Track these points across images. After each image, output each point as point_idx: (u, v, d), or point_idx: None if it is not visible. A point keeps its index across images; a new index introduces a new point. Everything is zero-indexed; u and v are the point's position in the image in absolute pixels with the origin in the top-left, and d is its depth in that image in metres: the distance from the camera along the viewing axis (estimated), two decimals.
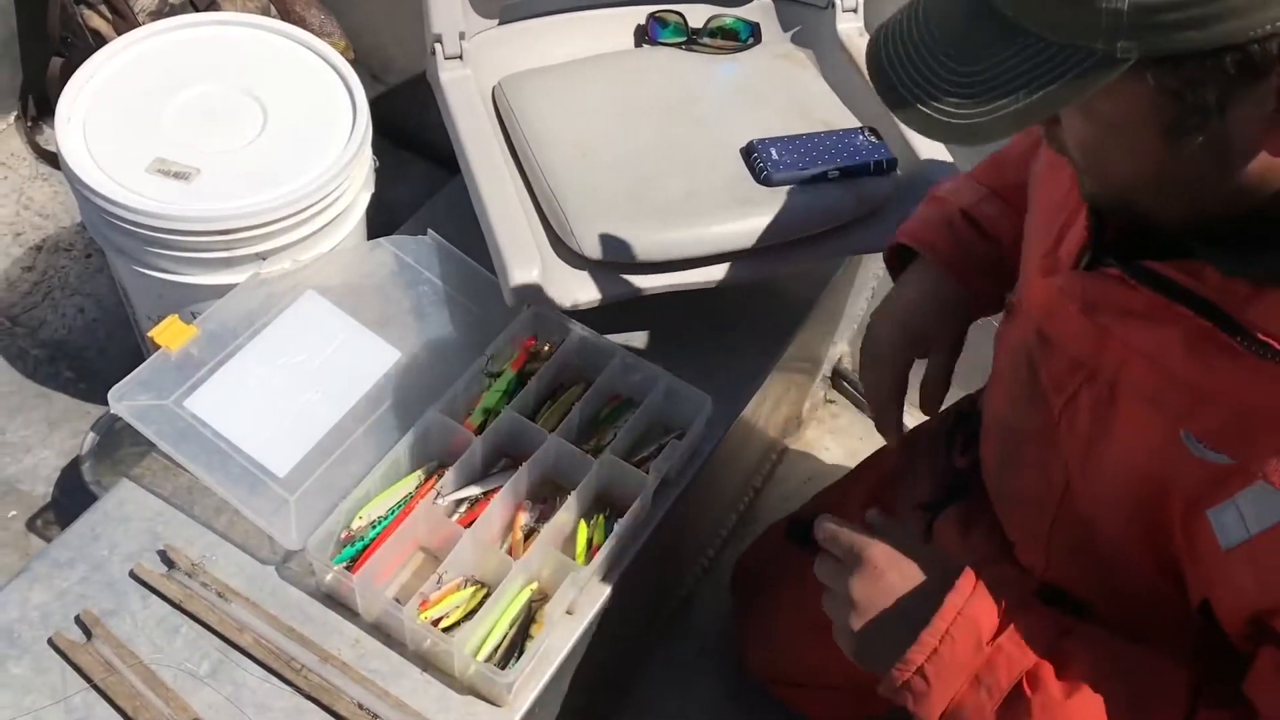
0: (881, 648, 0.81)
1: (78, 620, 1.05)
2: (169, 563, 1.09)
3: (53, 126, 1.28)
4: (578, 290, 1.20)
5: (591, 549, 1.10)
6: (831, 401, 1.82)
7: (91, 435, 1.50)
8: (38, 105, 1.99)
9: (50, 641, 1.03)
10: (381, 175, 1.42)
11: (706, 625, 1.50)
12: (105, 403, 1.08)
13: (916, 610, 0.79)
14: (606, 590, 1.11)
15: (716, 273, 1.24)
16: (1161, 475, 0.75)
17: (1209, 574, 0.74)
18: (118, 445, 1.51)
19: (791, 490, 1.66)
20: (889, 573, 0.82)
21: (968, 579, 0.79)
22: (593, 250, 1.18)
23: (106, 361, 1.72)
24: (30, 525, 1.53)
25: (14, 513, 1.55)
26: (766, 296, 1.38)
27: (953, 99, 0.61)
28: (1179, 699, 0.77)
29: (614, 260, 1.19)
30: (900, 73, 0.64)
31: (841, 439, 1.74)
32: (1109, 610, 0.91)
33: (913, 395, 1.07)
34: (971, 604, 0.78)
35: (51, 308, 1.78)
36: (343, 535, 1.07)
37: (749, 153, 1.26)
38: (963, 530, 1.08)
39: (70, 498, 1.55)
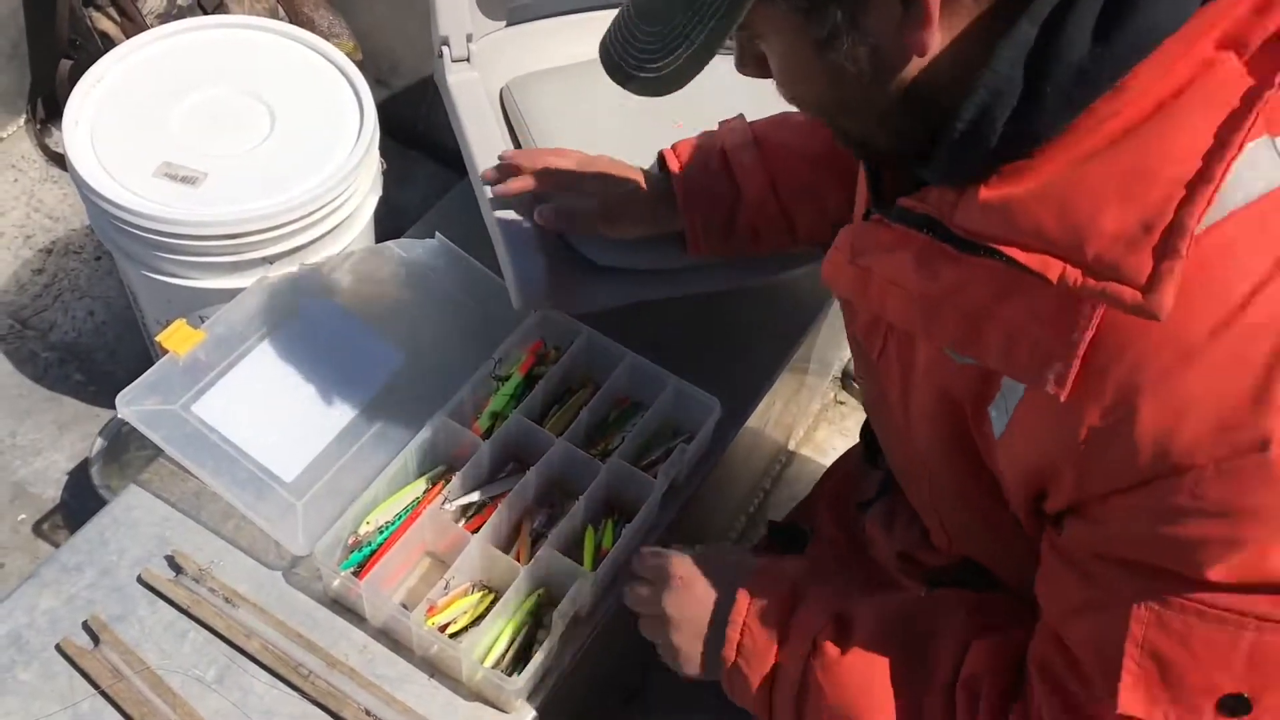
0: (705, 654, 0.91)
1: (85, 626, 1.05)
2: (177, 568, 1.09)
3: (61, 129, 1.28)
4: (585, 294, 1.19)
5: (600, 554, 1.10)
6: (842, 403, 1.81)
7: (100, 440, 1.50)
8: (47, 108, 2.00)
9: (58, 647, 1.03)
10: (389, 177, 1.42)
11: None
12: (115, 406, 1.08)
13: (722, 612, 0.90)
14: (614, 595, 1.11)
15: (725, 276, 1.23)
16: (949, 395, 0.77)
17: (999, 472, 0.77)
18: (126, 449, 1.51)
19: (800, 491, 1.64)
20: (695, 584, 0.93)
21: (755, 573, 0.90)
22: (600, 254, 1.18)
23: (116, 364, 1.72)
24: (38, 529, 1.53)
25: (23, 516, 1.55)
26: (776, 298, 1.37)
27: (652, 61, 0.70)
28: (954, 633, 0.83)
29: (622, 264, 1.19)
30: (614, 48, 0.74)
31: (851, 440, 1.72)
32: (1011, 575, 0.92)
33: None
34: (760, 593, 0.88)
35: (62, 310, 1.78)
36: (350, 540, 1.07)
37: None
38: (887, 525, 1.09)
39: (80, 501, 1.55)
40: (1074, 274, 0.61)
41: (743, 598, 0.89)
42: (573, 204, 1.13)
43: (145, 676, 1.01)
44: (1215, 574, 0.63)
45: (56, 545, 1.32)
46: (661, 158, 1.14)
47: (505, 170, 1.17)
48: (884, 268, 0.74)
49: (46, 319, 1.77)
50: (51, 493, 1.57)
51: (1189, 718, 0.67)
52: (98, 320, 1.78)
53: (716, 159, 1.11)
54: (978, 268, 0.67)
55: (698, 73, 0.69)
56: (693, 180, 1.11)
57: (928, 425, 0.83)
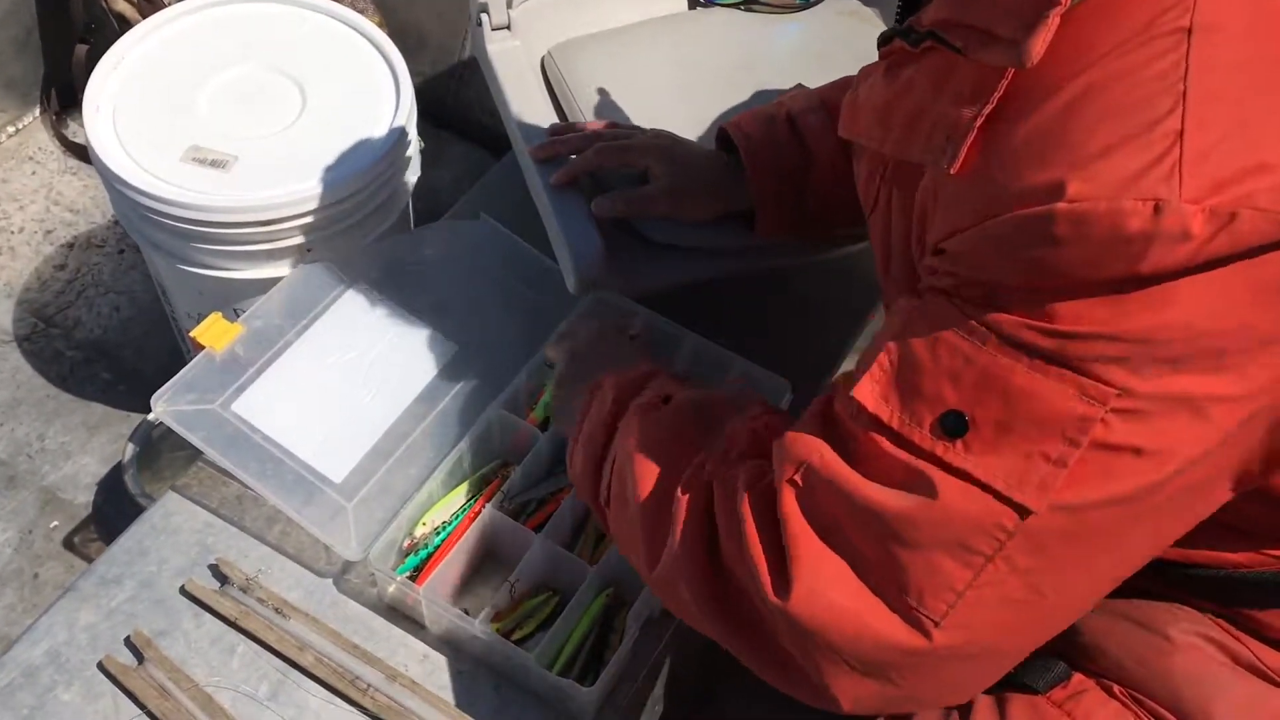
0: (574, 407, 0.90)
1: (128, 642, 0.99)
2: (221, 578, 1.03)
3: (79, 118, 1.22)
4: (644, 274, 1.12)
5: None
6: None
7: (131, 446, 1.44)
8: (63, 97, 1.93)
9: (100, 666, 0.97)
10: (423, 156, 1.35)
11: None
12: (145, 404, 1.02)
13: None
14: None
15: (788, 251, 1.16)
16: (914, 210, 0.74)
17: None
18: (160, 453, 1.45)
19: None
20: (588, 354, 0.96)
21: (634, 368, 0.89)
22: (658, 231, 1.10)
23: (144, 361, 1.66)
24: (72, 538, 1.47)
25: (56, 523, 1.49)
26: (842, 272, 1.29)
27: None
28: (746, 415, 0.82)
29: (681, 242, 1.11)
30: None
31: None
32: None
33: None
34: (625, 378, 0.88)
35: (86, 306, 1.72)
36: (405, 544, 1.00)
37: None
38: None
39: (114, 507, 1.49)
40: (974, 39, 0.61)
41: (606, 383, 0.87)
42: (636, 189, 1.07)
43: (194, 695, 0.95)
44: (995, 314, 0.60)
45: (91, 555, 1.26)
46: (723, 132, 1.07)
47: (555, 147, 1.10)
48: (866, 90, 0.74)
49: (71, 316, 1.71)
50: (84, 498, 1.52)
51: (909, 424, 0.63)
52: (124, 316, 1.71)
53: (783, 126, 1.04)
54: (925, 62, 0.67)
55: None
56: (760, 150, 1.04)
57: (884, 226, 0.79)
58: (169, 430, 1.41)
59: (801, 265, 1.20)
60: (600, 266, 1.09)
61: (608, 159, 1.08)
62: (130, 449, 1.41)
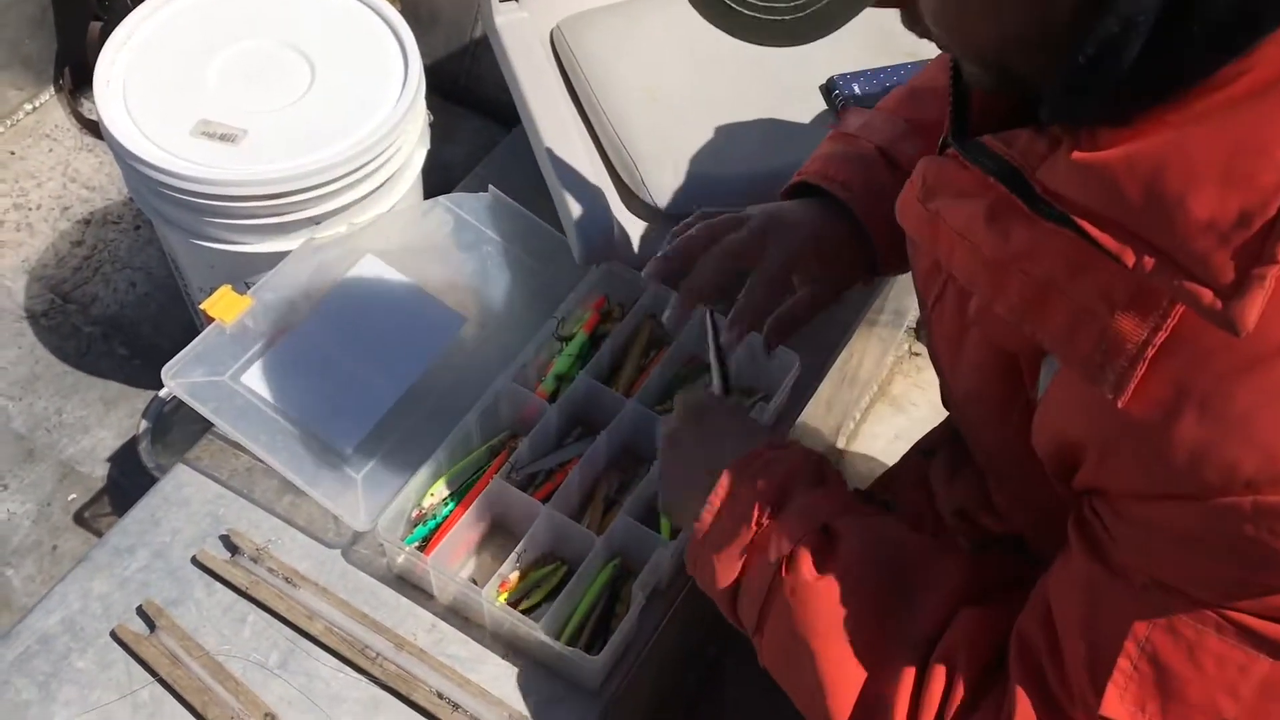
0: (687, 498, 0.83)
1: (140, 611, 1.00)
2: (232, 548, 1.03)
3: (93, 95, 1.22)
4: (652, 245, 1.12)
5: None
6: (916, 354, 1.72)
7: (144, 421, 1.45)
8: (77, 74, 1.94)
9: (113, 634, 0.98)
10: (433, 133, 1.35)
11: None
12: (161, 379, 1.02)
13: (704, 485, 0.81)
14: None
15: None
16: (1002, 347, 0.70)
17: (1034, 432, 0.69)
18: (173, 426, 1.46)
19: (880, 448, 1.57)
20: (692, 443, 0.86)
21: (751, 454, 0.80)
22: (666, 201, 1.10)
23: (161, 336, 1.67)
24: (88, 510, 1.48)
25: (74, 496, 1.51)
26: None
27: None
28: (946, 590, 0.74)
29: (688, 212, 1.11)
30: None
31: (929, 392, 1.65)
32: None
33: None
34: (745, 477, 0.79)
35: (103, 283, 1.73)
36: (413, 514, 1.01)
37: (829, 90, 1.17)
38: (948, 477, 1.02)
39: (130, 480, 1.50)
40: (1149, 261, 0.52)
41: (725, 478, 0.80)
42: (782, 309, 0.98)
43: (205, 663, 0.96)
44: (1240, 609, 0.56)
45: (102, 529, 1.27)
46: (811, 189, 0.97)
47: (670, 264, 0.94)
48: (954, 217, 0.66)
49: (87, 292, 1.72)
50: (100, 472, 1.53)
51: None
52: (140, 292, 1.72)
53: (879, 166, 0.94)
54: (1053, 235, 0.58)
55: (856, 12, 0.56)
56: (867, 199, 0.93)
57: (975, 378, 0.76)
58: (182, 404, 1.42)
59: None
60: (607, 238, 1.09)
61: (724, 277, 0.92)
62: (143, 423, 1.42)
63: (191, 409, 1.02)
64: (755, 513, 0.77)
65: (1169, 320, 0.53)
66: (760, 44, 0.60)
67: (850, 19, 0.55)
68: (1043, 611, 0.68)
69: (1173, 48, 0.51)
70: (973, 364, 0.76)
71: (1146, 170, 0.52)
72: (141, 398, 1.59)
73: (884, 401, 1.64)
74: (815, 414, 1.25)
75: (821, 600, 0.74)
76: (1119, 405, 0.55)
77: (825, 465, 0.85)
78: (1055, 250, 0.58)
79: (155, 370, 1.55)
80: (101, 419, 1.58)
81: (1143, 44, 0.51)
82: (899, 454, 1.27)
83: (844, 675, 0.72)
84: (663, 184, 1.10)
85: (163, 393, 1.43)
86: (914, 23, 0.60)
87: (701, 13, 0.60)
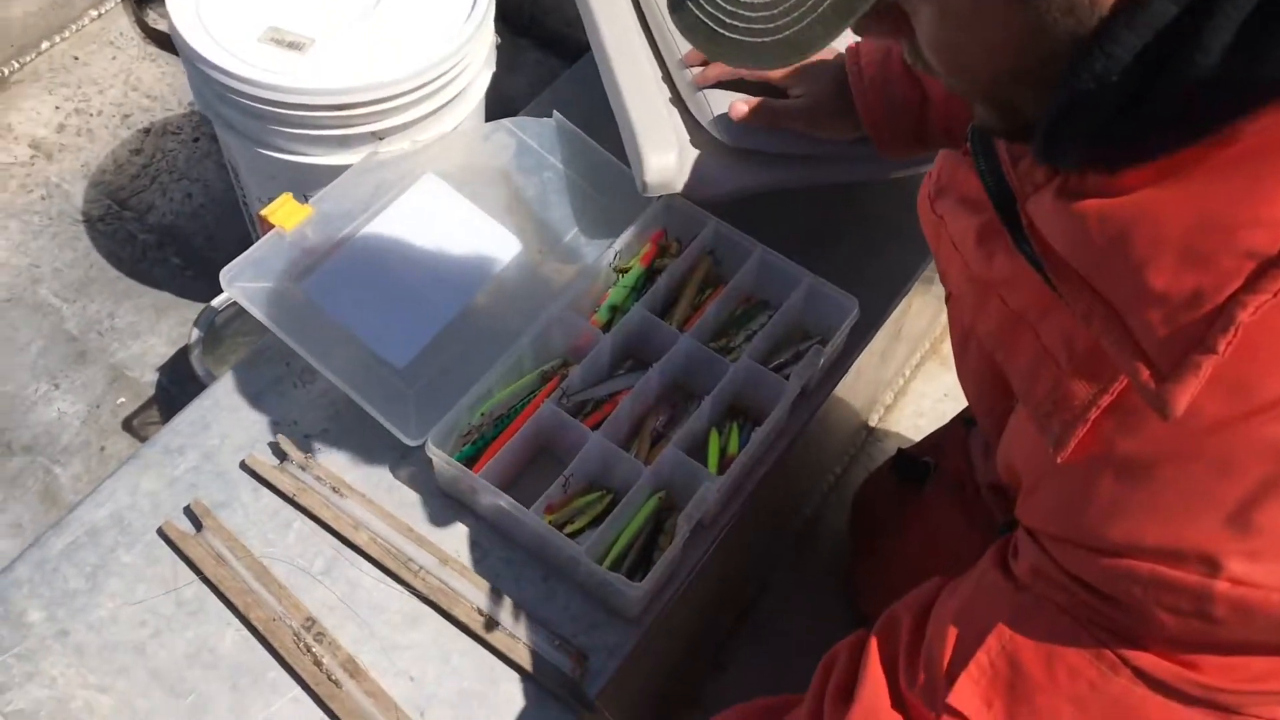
0: None
1: (187, 511, 1.01)
2: (281, 455, 1.04)
3: (159, 7, 1.21)
4: (716, 180, 1.10)
5: (724, 458, 1.02)
6: None
7: (196, 330, 1.45)
8: None
9: (160, 531, 0.99)
10: (497, 63, 1.33)
11: (832, 546, 1.42)
12: (213, 291, 1.02)
13: None
14: (738, 503, 1.03)
15: (866, 168, 1.13)
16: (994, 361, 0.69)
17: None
18: (224, 338, 1.47)
19: (926, 407, 1.56)
20: None
21: None
22: (733, 136, 1.08)
23: (214, 249, 1.67)
24: (127, 424, 1.50)
25: (122, 400, 1.52)
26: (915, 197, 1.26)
27: (763, 21, 0.54)
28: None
29: (756, 148, 1.09)
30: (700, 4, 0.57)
31: None
32: None
33: None
34: None
35: (159, 192, 1.74)
36: (463, 433, 1.01)
37: None
38: (986, 450, 1.03)
39: (179, 387, 1.52)
40: (1100, 321, 0.51)
41: None
42: (778, 101, 1.05)
43: (249, 564, 0.97)
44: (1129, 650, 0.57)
45: (148, 436, 1.28)
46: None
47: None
48: (953, 226, 0.66)
49: (144, 200, 1.73)
50: (149, 378, 1.54)
51: None
52: (195, 203, 1.73)
53: (898, 60, 0.99)
54: (1029, 271, 0.58)
55: (833, 37, 0.54)
56: (872, 86, 1.00)
57: (974, 382, 0.77)
58: (233, 316, 1.43)
59: (878, 181, 1.18)
60: (672, 169, 1.07)
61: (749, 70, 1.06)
62: (195, 332, 1.43)
63: (243, 321, 1.03)
64: None
65: (1115, 385, 0.52)
66: (743, 66, 0.59)
67: (828, 44, 0.54)
68: (922, 597, 0.69)
69: (1147, 109, 0.48)
70: (973, 369, 0.76)
71: (1116, 228, 0.51)
72: (192, 308, 1.59)
73: (935, 359, 1.62)
74: (868, 364, 1.24)
75: None
76: (1058, 460, 0.55)
77: None
78: (1030, 286, 0.58)
79: (207, 282, 1.57)
80: (153, 326, 1.59)
81: (1116, 103, 0.49)
82: (946, 413, 1.26)
83: None
84: (729, 120, 1.08)
85: (216, 301, 1.43)
86: (915, 58, 0.58)
87: (690, 39, 0.59)
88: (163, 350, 1.56)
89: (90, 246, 1.67)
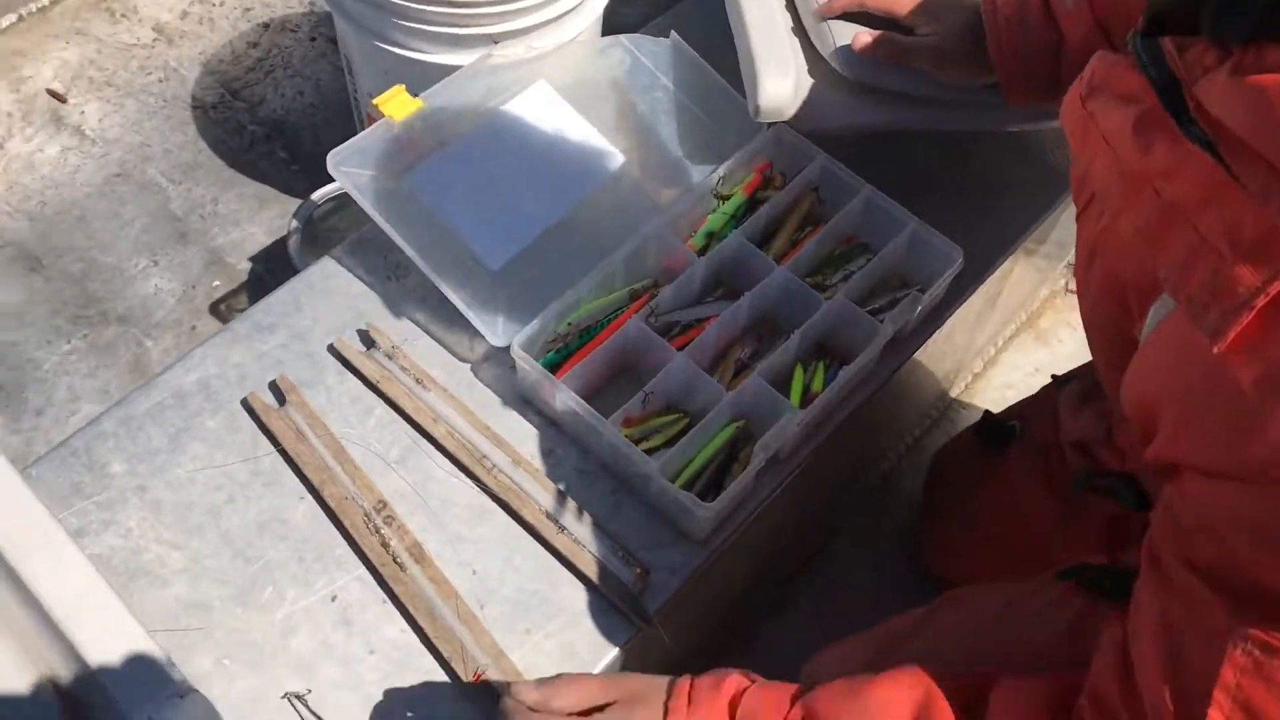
0: None
1: (273, 385, 1.02)
2: (369, 342, 1.05)
3: None
4: (830, 113, 1.08)
5: (807, 395, 1.01)
6: (1072, 292, 1.66)
7: (294, 222, 1.47)
8: None
9: (244, 402, 1.01)
10: None
11: (903, 506, 1.40)
12: (314, 188, 1.03)
13: None
14: (816, 442, 1.02)
15: (990, 117, 1.10)
16: (1120, 279, 0.66)
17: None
18: (321, 232, 1.48)
19: (1016, 380, 1.52)
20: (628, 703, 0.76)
21: (684, 683, 0.76)
22: (853, 69, 1.06)
23: (320, 147, 1.68)
24: (214, 309, 1.52)
25: (217, 283, 1.55)
26: (1037, 157, 1.23)
27: None
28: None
29: (876, 85, 1.07)
30: None
31: (1077, 332, 1.58)
32: None
33: None
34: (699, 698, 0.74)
35: (273, 86, 1.76)
36: (548, 340, 1.00)
37: None
38: (1076, 407, 1.01)
39: (273, 277, 1.54)
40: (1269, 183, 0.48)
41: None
42: (904, 37, 1.03)
43: (328, 443, 0.98)
44: None
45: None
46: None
47: None
48: (1106, 120, 0.63)
49: (257, 93, 1.75)
50: (245, 265, 1.57)
51: None
52: (306, 101, 1.75)
53: (1036, 6, 0.96)
54: (1193, 157, 0.55)
55: None
56: (1006, 28, 0.97)
57: (1095, 306, 0.73)
58: (331, 211, 1.45)
59: (997, 134, 1.14)
60: (787, 96, 1.05)
61: (879, 1, 1.04)
62: (294, 223, 1.45)
63: (339, 217, 1.03)
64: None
65: None
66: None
67: None
68: (1117, 666, 0.64)
69: None
70: (1095, 291, 0.73)
71: None
72: (292, 203, 1.61)
73: (1029, 333, 1.58)
74: (963, 322, 1.21)
75: None
76: (1215, 350, 0.52)
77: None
78: (1192, 174, 0.55)
79: (310, 178, 1.58)
80: (253, 215, 1.61)
81: None
82: (1035, 387, 1.23)
83: None
84: (851, 53, 1.05)
85: (317, 194, 1.45)
86: None
87: None
88: (260, 240, 1.59)
89: (201, 132, 1.69)
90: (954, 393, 1.52)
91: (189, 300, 1.52)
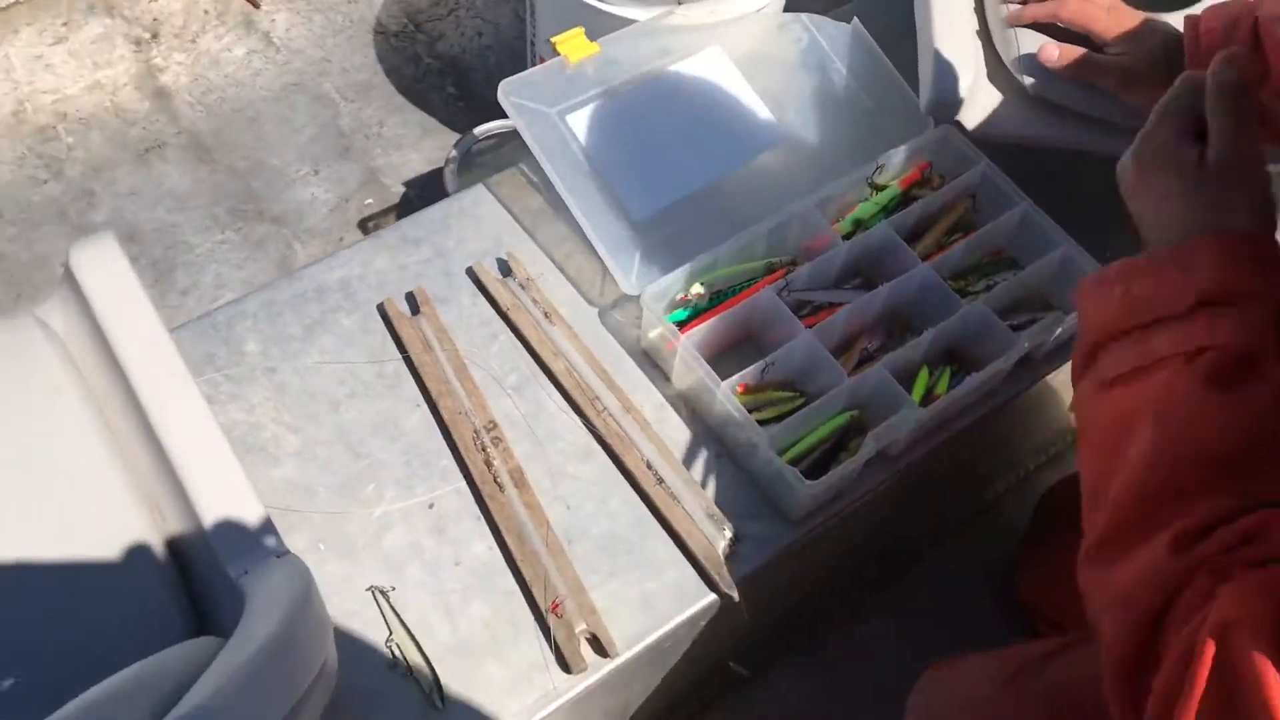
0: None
1: (409, 296, 1.05)
2: (506, 271, 1.07)
3: None
4: (1002, 120, 1.06)
5: (928, 397, 0.99)
6: None
7: (454, 151, 1.51)
8: None
9: (380, 307, 1.04)
10: None
11: (1003, 538, 1.36)
12: (478, 125, 1.04)
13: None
14: (929, 446, 1.00)
15: None
16: None
17: None
18: (477, 165, 1.52)
19: None
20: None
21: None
22: (1033, 80, 1.04)
23: (489, 89, 1.71)
24: (363, 225, 1.57)
25: (370, 200, 1.60)
26: None
27: None
28: None
29: (1054, 99, 1.04)
30: None
31: None
32: None
33: None
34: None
35: (454, 24, 1.80)
36: (679, 297, 1.01)
37: None
38: None
39: (423, 202, 1.57)
40: None
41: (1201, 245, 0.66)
42: (1093, 54, 1.00)
43: (451, 358, 1.00)
44: None
45: None
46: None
47: None
48: None
49: (438, 28, 1.80)
50: (399, 189, 1.61)
51: None
52: (484, 43, 1.79)
53: (1245, 30, 0.91)
54: None
55: None
56: (1209, 53, 0.90)
57: None
58: (488, 149, 1.48)
59: None
60: (962, 96, 1.04)
61: (1072, 15, 1.00)
62: (454, 152, 1.48)
63: (496, 155, 1.06)
64: (1190, 297, 0.65)
65: None
66: None
67: None
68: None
69: None
70: None
71: None
72: (453, 137, 1.65)
73: None
74: None
75: (1206, 409, 0.62)
76: None
77: None
78: None
79: (475, 116, 1.62)
80: (415, 143, 1.66)
81: None
82: None
83: (1147, 480, 0.63)
84: (1033, 63, 1.03)
85: (479, 129, 1.49)
86: None
87: None
88: (417, 166, 1.63)
89: (379, 57, 1.75)
90: (1065, 440, 1.47)
91: (341, 212, 1.57)
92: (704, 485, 0.96)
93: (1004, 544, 1.36)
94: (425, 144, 1.65)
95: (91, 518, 0.74)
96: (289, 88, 1.69)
